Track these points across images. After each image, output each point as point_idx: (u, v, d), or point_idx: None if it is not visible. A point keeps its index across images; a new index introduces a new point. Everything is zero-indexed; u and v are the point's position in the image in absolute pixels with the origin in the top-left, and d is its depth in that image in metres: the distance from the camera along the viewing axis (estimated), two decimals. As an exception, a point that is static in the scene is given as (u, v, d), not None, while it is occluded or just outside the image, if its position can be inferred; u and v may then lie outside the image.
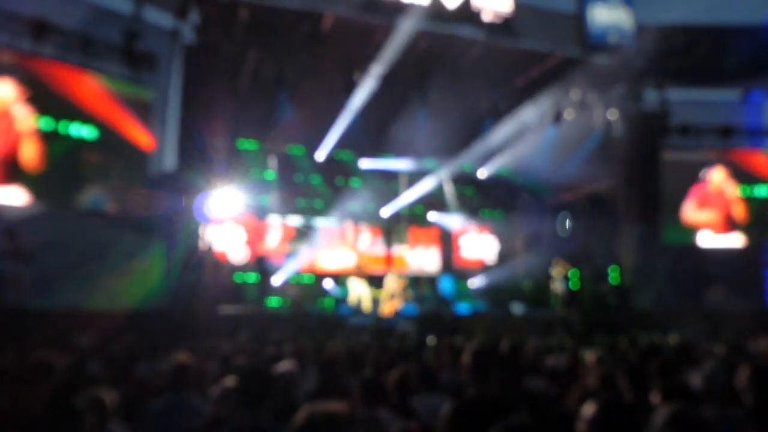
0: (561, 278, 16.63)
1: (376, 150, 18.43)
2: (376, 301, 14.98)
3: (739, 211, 16.29)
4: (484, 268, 20.90)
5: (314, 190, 19.23)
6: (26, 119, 11.19)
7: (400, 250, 20.17)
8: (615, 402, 2.16)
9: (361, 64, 13.88)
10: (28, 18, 11.08)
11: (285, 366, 3.68)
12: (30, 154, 11.23)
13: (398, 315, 13.67)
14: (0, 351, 5.46)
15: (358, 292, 15.07)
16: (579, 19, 15.20)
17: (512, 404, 2.82)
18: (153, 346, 6.16)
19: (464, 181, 20.68)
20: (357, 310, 14.48)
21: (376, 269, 17.85)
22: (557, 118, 15.67)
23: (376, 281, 15.96)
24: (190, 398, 3.48)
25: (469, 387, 3.67)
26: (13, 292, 9.85)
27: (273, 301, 15.00)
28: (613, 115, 15.91)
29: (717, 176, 16.30)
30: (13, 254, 9.86)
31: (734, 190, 16.30)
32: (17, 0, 11.15)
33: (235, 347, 6.74)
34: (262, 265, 13.59)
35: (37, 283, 10.46)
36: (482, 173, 20.25)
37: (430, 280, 18.06)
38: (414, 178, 20.09)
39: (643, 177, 15.19)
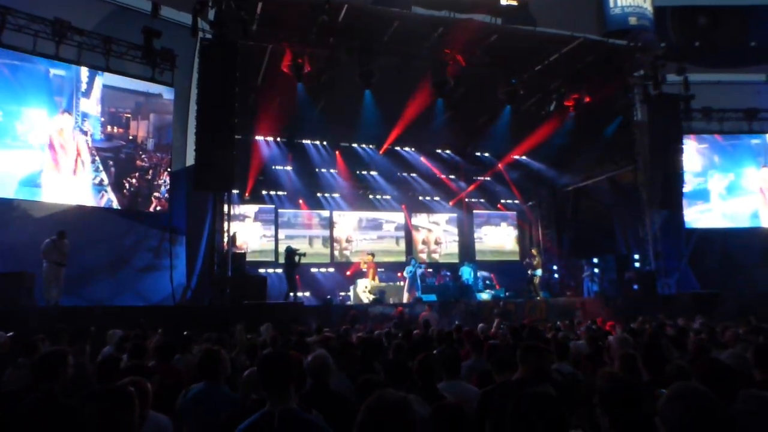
0: (539, 267, 16.52)
1: (395, 142, 18.43)
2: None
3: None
4: (504, 255, 20.87)
5: (332, 181, 19.32)
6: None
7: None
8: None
9: (377, 54, 13.82)
10: (50, 20, 11.27)
11: (318, 352, 3.71)
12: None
13: (420, 302, 13.72)
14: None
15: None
16: (599, 2, 14.98)
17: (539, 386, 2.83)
18: (182, 339, 6.28)
19: (484, 169, 20.60)
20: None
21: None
22: (578, 102, 15.47)
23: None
24: (222, 386, 3.58)
25: (493, 372, 3.71)
26: (54, 291, 10.13)
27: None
28: (634, 99, 15.67)
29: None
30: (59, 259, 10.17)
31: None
32: (37, 3, 11.36)
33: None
34: (288, 257, 13.64)
35: (69, 282, 10.74)
36: (502, 161, 20.16)
37: (452, 268, 18.06)
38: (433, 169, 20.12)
39: (666, 161, 14.95)
